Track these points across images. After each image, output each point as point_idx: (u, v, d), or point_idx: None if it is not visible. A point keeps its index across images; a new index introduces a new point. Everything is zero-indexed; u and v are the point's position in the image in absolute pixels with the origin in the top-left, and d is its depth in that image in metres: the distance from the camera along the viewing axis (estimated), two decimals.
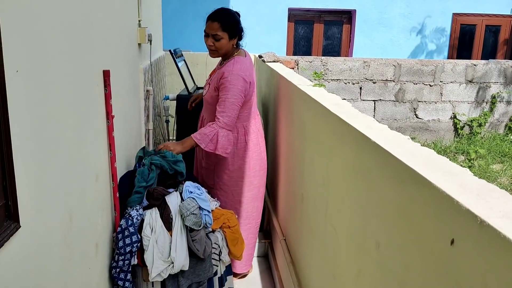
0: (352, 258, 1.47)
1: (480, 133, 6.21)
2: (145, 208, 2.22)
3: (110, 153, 2.07)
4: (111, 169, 2.10)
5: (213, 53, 2.76)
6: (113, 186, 2.12)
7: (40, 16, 1.28)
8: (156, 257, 2.11)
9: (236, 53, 2.77)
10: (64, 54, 1.49)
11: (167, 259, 2.13)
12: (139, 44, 3.02)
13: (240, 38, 2.80)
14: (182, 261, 2.14)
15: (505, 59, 8.69)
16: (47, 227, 1.36)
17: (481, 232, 0.75)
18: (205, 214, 2.25)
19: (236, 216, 2.62)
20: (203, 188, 2.44)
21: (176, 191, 2.31)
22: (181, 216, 2.18)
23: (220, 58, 2.87)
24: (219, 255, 2.39)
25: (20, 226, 1.14)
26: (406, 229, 1.04)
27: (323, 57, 5.90)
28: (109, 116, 2.03)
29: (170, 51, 3.66)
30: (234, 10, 2.85)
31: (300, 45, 8.66)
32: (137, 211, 2.16)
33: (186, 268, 2.16)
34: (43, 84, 1.31)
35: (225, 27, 2.65)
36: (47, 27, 1.33)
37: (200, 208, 2.24)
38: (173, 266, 2.12)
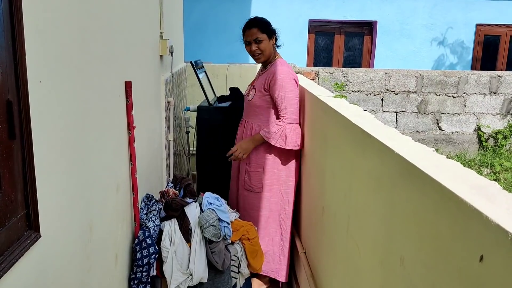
0: (374, 274, 1.43)
1: (505, 146, 6.06)
2: (163, 219, 2.22)
3: (131, 164, 2.08)
4: (132, 180, 2.11)
5: (259, 57, 2.89)
6: (133, 197, 2.12)
7: (63, 28, 1.29)
8: (175, 268, 2.10)
9: (277, 56, 2.94)
10: (86, 65, 1.50)
11: (186, 271, 2.11)
12: (161, 56, 3.05)
13: (276, 39, 2.93)
14: (201, 273, 2.12)
15: None
16: (67, 237, 1.36)
17: None
18: (224, 226, 2.23)
19: (256, 228, 2.60)
20: (222, 200, 2.43)
21: (195, 201, 2.31)
22: (200, 227, 2.17)
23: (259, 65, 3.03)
24: (238, 267, 2.36)
25: (40, 236, 1.14)
26: (432, 245, 1.01)
27: (343, 68, 5.86)
28: (130, 126, 2.04)
29: (191, 62, 3.69)
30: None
31: (321, 57, 8.63)
32: (154, 222, 2.16)
33: (204, 280, 2.15)
34: (65, 95, 1.32)
35: (263, 29, 2.83)
36: (69, 39, 1.34)
37: (219, 219, 2.22)
38: (191, 278, 2.11)
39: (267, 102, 2.81)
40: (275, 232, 2.90)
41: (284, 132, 2.70)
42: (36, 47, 1.11)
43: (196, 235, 2.16)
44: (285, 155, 2.85)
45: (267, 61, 2.92)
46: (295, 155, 2.90)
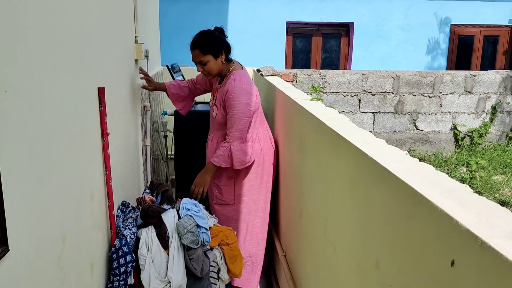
0: (352, 277, 1.43)
1: (481, 144, 6.17)
2: (140, 227, 2.19)
3: (106, 171, 2.05)
4: (107, 187, 2.07)
5: (207, 76, 2.80)
6: (109, 205, 2.09)
7: (30, 33, 1.26)
8: (152, 276, 2.07)
9: (231, 69, 2.80)
10: (56, 72, 1.47)
11: (164, 279, 2.09)
12: (136, 60, 3.01)
13: (228, 52, 2.80)
14: (179, 280, 2.10)
15: (504, 69, 8.68)
16: (39, 249, 1.32)
17: (482, 253, 0.72)
18: (202, 232, 2.21)
19: (235, 233, 2.59)
20: (200, 205, 2.41)
21: (172, 208, 2.28)
22: (178, 234, 2.14)
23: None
24: (218, 273, 2.35)
25: (8, 250, 1.11)
26: (406, 249, 1.01)
27: (321, 70, 5.89)
28: (104, 133, 2.01)
29: (167, 66, 3.65)
30: (215, 26, 2.86)
31: (299, 58, 8.67)
32: (130, 229, 2.13)
33: (183, 287, 2.12)
34: (33, 104, 1.28)
35: (205, 50, 2.68)
36: (37, 44, 1.31)
37: (197, 225, 2.20)
38: (170, 286, 2.08)
39: None
40: (250, 243, 2.89)
41: (230, 152, 2.66)
42: (1, 55, 1.08)
43: (173, 242, 2.13)
44: (255, 164, 2.82)
45: (221, 75, 2.82)
46: (267, 161, 2.88)
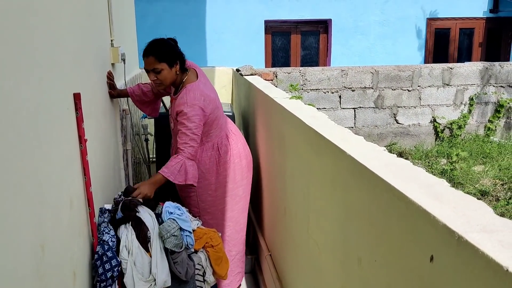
0: (335, 274, 1.43)
1: (460, 135, 6.26)
2: (119, 223, 2.16)
3: (85, 178, 2.02)
4: (87, 194, 2.04)
5: (159, 85, 2.66)
6: (89, 211, 2.06)
7: (0, 39, 1.23)
8: (136, 279, 2.05)
9: (185, 79, 2.69)
10: (29, 78, 1.44)
11: (148, 278, 2.07)
12: (113, 64, 2.98)
13: (183, 62, 2.69)
14: (164, 276, 2.08)
15: (480, 60, 8.82)
16: (15, 260, 1.30)
17: (459, 248, 0.73)
18: (186, 235, 2.20)
19: (220, 234, 2.58)
20: (184, 208, 2.39)
21: (155, 212, 2.26)
22: (161, 238, 2.13)
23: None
24: (203, 275, 2.33)
25: None
26: (386, 245, 1.02)
27: (301, 68, 5.91)
28: (81, 140, 1.98)
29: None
30: (168, 37, 2.75)
31: (279, 57, 8.68)
32: (108, 233, 2.11)
33: (168, 284, 2.10)
34: (6, 111, 1.26)
35: (161, 58, 2.57)
36: (8, 51, 1.28)
37: (181, 229, 2.19)
38: (155, 284, 2.07)
39: None
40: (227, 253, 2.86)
41: (184, 167, 2.50)
42: None
43: (155, 241, 2.12)
44: (218, 174, 2.76)
45: (175, 84, 2.71)
46: (229, 169, 2.80)
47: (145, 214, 2.20)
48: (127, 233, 2.13)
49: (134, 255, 2.08)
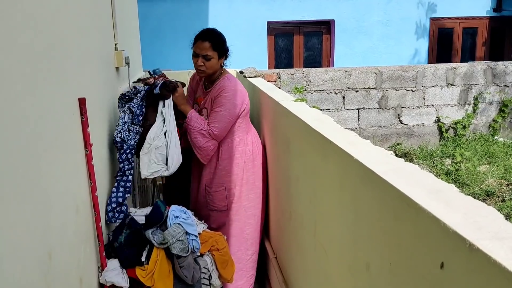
0: (343, 279, 1.43)
1: (465, 135, 6.24)
2: (156, 97, 2.48)
3: (91, 183, 2.02)
4: (93, 199, 2.04)
5: (202, 73, 2.72)
6: (95, 216, 2.06)
7: (5, 46, 1.23)
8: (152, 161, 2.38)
9: (224, 73, 2.78)
10: (34, 84, 1.44)
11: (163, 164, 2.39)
12: (117, 68, 2.98)
13: (226, 58, 2.79)
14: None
15: (484, 60, 8.79)
16: (24, 269, 1.30)
17: (470, 255, 0.72)
18: (192, 239, 2.20)
19: (225, 237, 2.57)
20: (189, 212, 2.39)
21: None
22: (167, 243, 2.12)
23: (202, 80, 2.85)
24: (209, 279, 2.33)
25: None
26: (396, 251, 1.01)
27: (304, 69, 5.90)
28: (87, 144, 1.98)
29: (149, 71, 3.61)
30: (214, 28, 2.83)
31: (282, 58, 8.68)
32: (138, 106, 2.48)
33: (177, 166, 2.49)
34: (12, 118, 1.26)
35: (215, 47, 2.65)
36: (14, 57, 1.28)
37: (186, 233, 2.18)
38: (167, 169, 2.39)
39: None
40: (239, 249, 2.87)
41: (200, 132, 2.61)
42: None
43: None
44: (245, 170, 2.79)
45: (212, 78, 2.77)
46: (256, 167, 2.84)
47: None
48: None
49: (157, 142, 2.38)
